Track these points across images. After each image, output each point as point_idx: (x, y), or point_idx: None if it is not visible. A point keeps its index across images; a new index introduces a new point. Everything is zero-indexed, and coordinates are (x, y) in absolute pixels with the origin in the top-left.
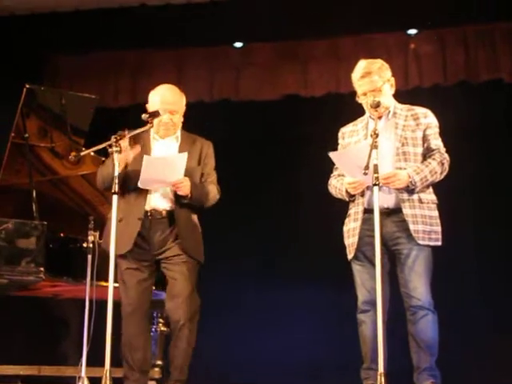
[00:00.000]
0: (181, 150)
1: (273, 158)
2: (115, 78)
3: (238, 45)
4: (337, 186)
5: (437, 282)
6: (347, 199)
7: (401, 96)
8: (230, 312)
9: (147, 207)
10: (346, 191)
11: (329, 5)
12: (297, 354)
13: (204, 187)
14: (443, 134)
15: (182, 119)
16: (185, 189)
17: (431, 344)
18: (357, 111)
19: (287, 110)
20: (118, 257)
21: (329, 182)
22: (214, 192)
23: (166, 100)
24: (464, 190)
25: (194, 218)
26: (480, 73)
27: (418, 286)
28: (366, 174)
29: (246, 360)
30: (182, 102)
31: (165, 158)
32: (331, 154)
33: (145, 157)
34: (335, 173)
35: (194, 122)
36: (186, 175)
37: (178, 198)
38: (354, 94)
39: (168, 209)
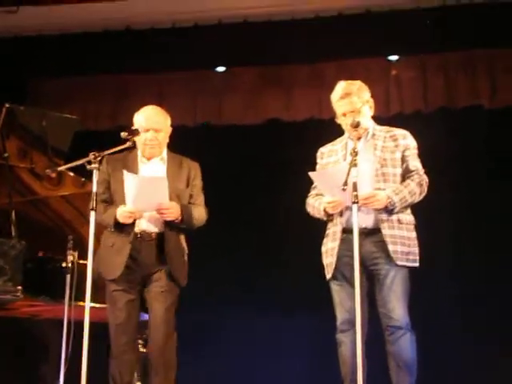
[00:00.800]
0: (168, 173)
1: (255, 181)
2: (97, 102)
3: (221, 69)
4: (314, 205)
5: (416, 303)
6: (325, 218)
7: (382, 123)
8: (210, 340)
9: (137, 229)
10: (324, 210)
11: (311, 30)
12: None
13: (192, 210)
14: (424, 159)
15: (167, 139)
16: (172, 215)
17: (410, 364)
18: (339, 136)
19: (269, 134)
20: (107, 280)
21: (306, 201)
22: (202, 214)
23: (150, 118)
24: (443, 215)
25: (182, 240)
26: (460, 99)
27: (397, 306)
28: (344, 189)
29: None
30: (167, 121)
31: (144, 178)
32: (311, 174)
33: (124, 172)
34: (312, 192)
35: (176, 147)
36: (174, 198)
37: (168, 221)
38: (336, 120)
39: (157, 231)
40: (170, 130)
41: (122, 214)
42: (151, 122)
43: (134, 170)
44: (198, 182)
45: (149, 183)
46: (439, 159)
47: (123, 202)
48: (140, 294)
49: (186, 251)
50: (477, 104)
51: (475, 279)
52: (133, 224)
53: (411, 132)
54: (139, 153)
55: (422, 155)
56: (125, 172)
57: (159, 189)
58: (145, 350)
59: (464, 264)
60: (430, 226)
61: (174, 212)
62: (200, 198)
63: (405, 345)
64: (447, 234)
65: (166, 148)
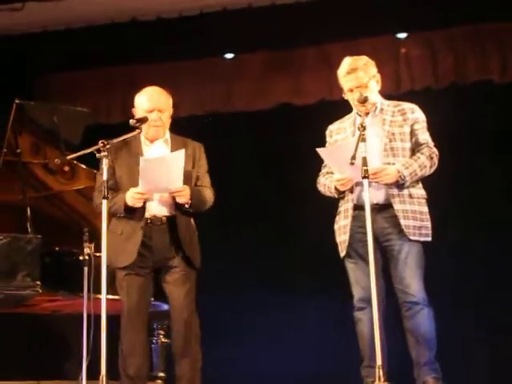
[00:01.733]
0: None
1: (268, 166)
2: (107, 95)
3: (229, 56)
4: (325, 183)
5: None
6: (336, 196)
7: (392, 99)
8: (225, 321)
9: (147, 214)
10: (335, 188)
11: (317, 12)
12: (301, 364)
13: (201, 193)
14: (436, 135)
15: (170, 120)
16: (184, 198)
17: (429, 338)
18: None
19: (281, 118)
20: (118, 268)
21: (317, 180)
22: (210, 196)
23: (152, 98)
24: (451, 190)
25: (192, 222)
26: (470, 74)
27: (412, 282)
28: (352, 163)
29: (245, 373)
30: (169, 101)
31: (162, 158)
32: (319, 150)
33: (141, 159)
34: (323, 170)
35: (187, 135)
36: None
37: (178, 205)
38: (346, 100)
39: (168, 214)
40: (171, 110)
41: (131, 195)
42: (154, 102)
43: (138, 153)
44: (203, 163)
45: (165, 162)
46: (450, 135)
47: (130, 186)
48: (152, 278)
49: (197, 233)
50: (487, 79)
51: (477, 255)
52: (143, 209)
53: (422, 108)
54: (142, 136)
55: (433, 131)
56: (141, 158)
57: (175, 166)
58: (167, 340)
59: (466, 239)
60: (438, 200)
61: (185, 194)
62: (206, 180)
63: (422, 320)
64: (455, 210)
65: (168, 130)
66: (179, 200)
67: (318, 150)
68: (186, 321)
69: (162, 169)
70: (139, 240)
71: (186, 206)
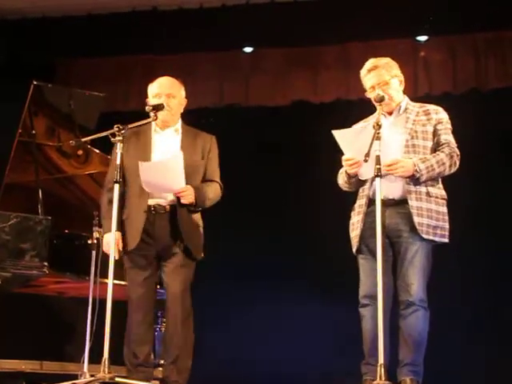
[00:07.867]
0: (183, 144)
1: (282, 162)
2: (125, 83)
3: (248, 50)
4: (341, 171)
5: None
6: (346, 180)
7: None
8: (235, 315)
9: (151, 202)
10: (346, 172)
11: (339, 11)
12: (305, 361)
13: (206, 191)
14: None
15: (181, 109)
16: (188, 198)
17: (418, 340)
18: (366, 117)
19: (296, 115)
20: (123, 255)
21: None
22: (217, 193)
23: (162, 85)
24: (472, 194)
25: (197, 213)
26: (490, 81)
27: (414, 282)
28: (366, 160)
29: (249, 367)
30: (181, 90)
31: (160, 163)
32: (335, 132)
33: (139, 163)
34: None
35: (203, 127)
36: (190, 171)
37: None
38: (363, 99)
39: (171, 203)
40: (184, 101)
41: (107, 242)
42: (163, 88)
43: (147, 140)
44: (213, 155)
45: (164, 167)
46: (468, 141)
47: (135, 180)
48: (156, 270)
49: (201, 224)
50: (507, 86)
51: (486, 260)
52: (147, 196)
53: None
54: (153, 123)
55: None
56: (140, 163)
57: (175, 169)
58: None
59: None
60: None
61: (188, 195)
62: (216, 174)
63: (415, 321)
64: (473, 214)
65: (180, 120)
66: (183, 201)
67: (333, 131)
68: (180, 311)
69: (161, 172)
70: (142, 224)
71: (191, 206)
